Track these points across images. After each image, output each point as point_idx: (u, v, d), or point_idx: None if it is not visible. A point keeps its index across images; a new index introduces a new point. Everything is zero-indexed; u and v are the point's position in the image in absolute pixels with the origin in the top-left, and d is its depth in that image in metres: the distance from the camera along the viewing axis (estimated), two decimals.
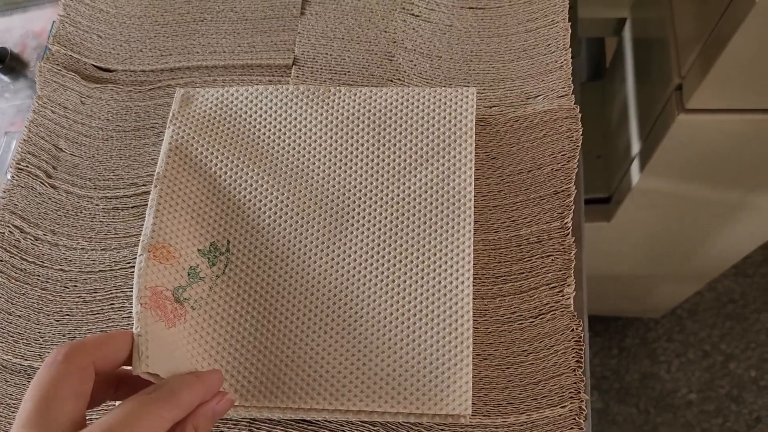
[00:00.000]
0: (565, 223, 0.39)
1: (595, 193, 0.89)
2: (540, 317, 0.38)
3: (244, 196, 0.40)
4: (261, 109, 0.43)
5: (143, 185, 0.44)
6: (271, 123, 0.42)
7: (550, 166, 0.41)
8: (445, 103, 0.41)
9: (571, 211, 0.40)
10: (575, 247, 0.39)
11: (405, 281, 0.37)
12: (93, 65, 0.49)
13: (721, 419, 1.27)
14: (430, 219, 0.39)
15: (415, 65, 0.45)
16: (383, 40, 0.47)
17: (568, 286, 0.38)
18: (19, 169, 0.46)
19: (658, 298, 1.23)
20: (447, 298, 0.36)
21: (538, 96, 0.43)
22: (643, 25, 0.78)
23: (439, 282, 0.37)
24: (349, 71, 0.46)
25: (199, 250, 0.39)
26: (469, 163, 0.39)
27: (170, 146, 0.41)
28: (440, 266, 0.37)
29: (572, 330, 0.37)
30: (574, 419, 0.35)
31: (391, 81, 0.45)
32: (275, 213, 0.40)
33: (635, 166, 0.76)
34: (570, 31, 0.45)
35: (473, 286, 0.39)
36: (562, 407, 0.36)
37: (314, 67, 0.46)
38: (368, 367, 0.36)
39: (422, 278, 0.37)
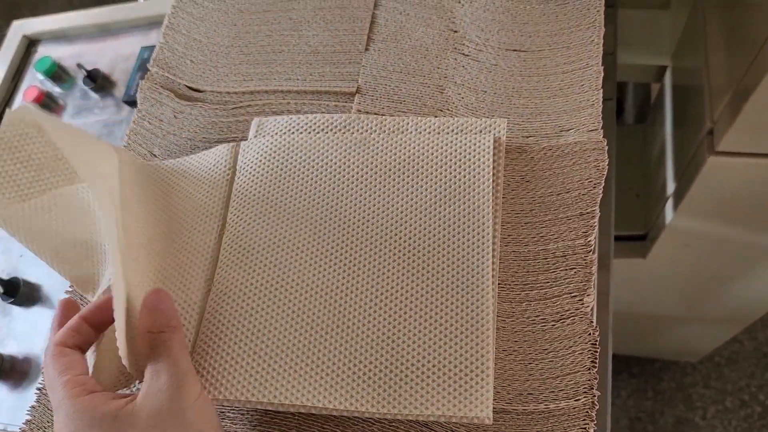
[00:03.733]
0: (588, 241, 0.44)
1: (632, 230, 0.91)
2: (561, 321, 0.42)
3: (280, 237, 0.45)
4: (309, 156, 0.48)
5: None
6: (315, 168, 0.47)
7: (578, 191, 0.46)
8: (463, 152, 0.46)
9: (595, 231, 0.44)
10: (596, 263, 0.44)
11: (429, 295, 0.42)
12: (186, 86, 0.56)
13: None
14: (452, 244, 0.43)
15: (463, 98, 0.52)
16: (436, 75, 0.53)
17: (588, 296, 0.43)
18: None
19: (695, 340, 1.23)
20: (470, 311, 0.40)
21: (570, 129, 0.49)
22: (681, 72, 0.82)
23: (463, 294, 0.41)
24: (404, 100, 0.52)
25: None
26: (487, 203, 0.44)
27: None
28: (462, 285, 0.41)
29: (589, 334, 0.42)
30: (587, 412, 0.40)
31: (441, 111, 0.51)
32: (305, 244, 0.44)
33: (669, 205, 0.79)
34: (602, 74, 0.50)
35: (503, 291, 0.44)
36: (576, 400, 0.40)
37: (374, 95, 0.53)
38: (390, 370, 0.40)
39: (446, 292, 0.41)
